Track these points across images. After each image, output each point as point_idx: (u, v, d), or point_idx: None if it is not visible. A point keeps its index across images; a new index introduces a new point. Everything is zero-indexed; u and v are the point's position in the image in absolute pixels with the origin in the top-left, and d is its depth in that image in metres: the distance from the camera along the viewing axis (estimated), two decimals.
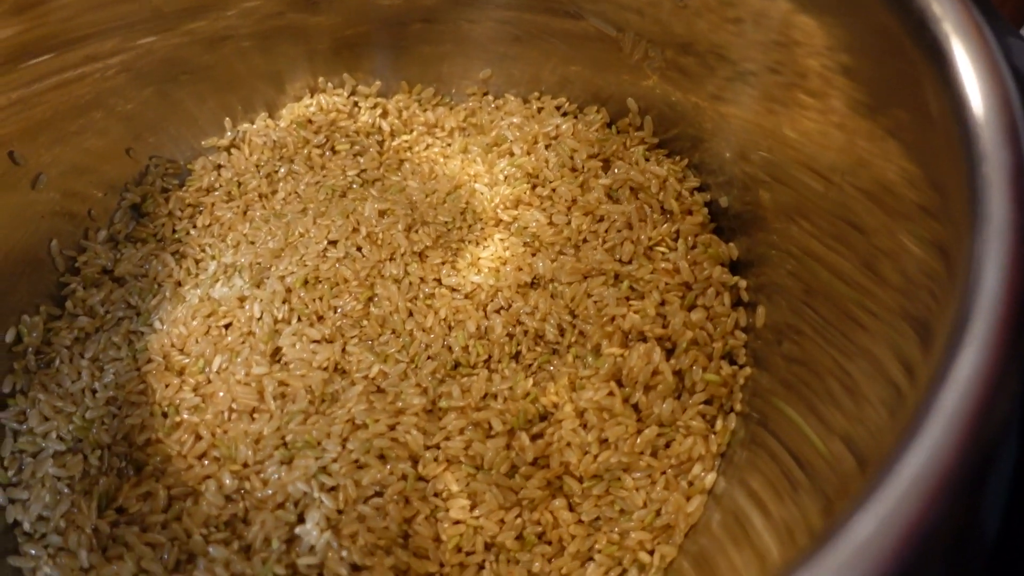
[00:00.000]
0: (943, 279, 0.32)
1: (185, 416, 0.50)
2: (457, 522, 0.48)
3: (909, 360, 0.33)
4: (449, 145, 0.69)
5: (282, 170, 0.67)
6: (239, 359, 0.52)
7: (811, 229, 0.45)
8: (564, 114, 0.65)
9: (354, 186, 0.65)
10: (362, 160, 0.68)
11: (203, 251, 0.62)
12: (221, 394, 0.50)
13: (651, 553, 0.47)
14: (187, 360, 0.53)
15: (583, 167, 0.59)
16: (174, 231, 0.64)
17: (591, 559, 0.47)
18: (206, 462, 0.48)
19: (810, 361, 0.44)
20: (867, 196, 0.40)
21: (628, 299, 0.53)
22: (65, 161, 0.55)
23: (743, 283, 0.52)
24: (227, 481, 0.47)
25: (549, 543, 0.48)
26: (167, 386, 0.52)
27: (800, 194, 0.46)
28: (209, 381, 0.52)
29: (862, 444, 0.36)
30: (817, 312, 0.44)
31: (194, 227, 0.64)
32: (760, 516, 0.42)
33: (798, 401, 0.44)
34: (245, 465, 0.48)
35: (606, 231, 0.56)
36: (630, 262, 0.54)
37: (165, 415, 0.51)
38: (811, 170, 0.45)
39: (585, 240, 0.57)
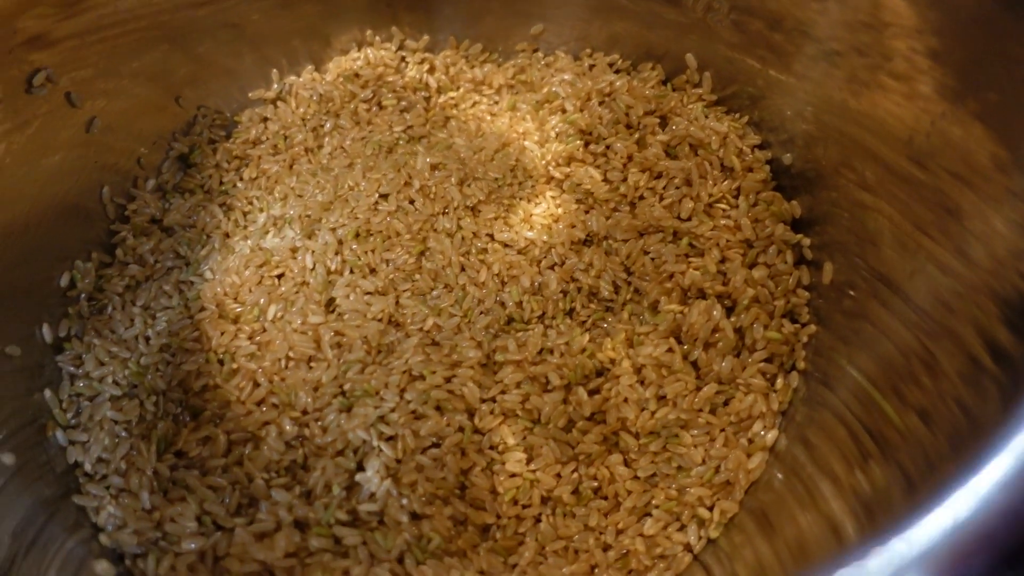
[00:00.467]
0: None
1: (242, 363, 0.50)
2: (513, 475, 0.48)
3: (993, 337, 0.33)
4: (496, 103, 0.68)
5: (328, 124, 0.66)
6: (294, 308, 0.52)
7: (883, 198, 0.44)
8: (617, 71, 0.64)
9: (400, 142, 0.65)
10: (408, 116, 0.67)
11: (250, 203, 0.62)
12: (278, 342, 0.50)
13: (710, 509, 0.46)
14: (241, 308, 0.53)
15: (639, 124, 0.58)
16: (221, 183, 0.63)
17: (648, 514, 0.47)
18: (264, 408, 0.48)
19: (871, 318, 0.44)
20: (955, 178, 0.39)
21: (687, 256, 0.53)
22: (118, 106, 0.55)
23: (806, 241, 0.51)
24: (287, 427, 0.47)
25: (605, 498, 0.48)
26: (222, 333, 0.51)
27: (875, 166, 0.45)
28: (264, 330, 0.52)
29: (940, 418, 0.36)
30: (886, 277, 0.43)
31: (241, 180, 0.63)
32: (828, 482, 0.42)
33: (867, 362, 0.43)
34: (304, 412, 0.48)
35: (664, 188, 0.55)
36: (689, 219, 0.54)
37: (221, 362, 0.51)
38: (889, 147, 0.43)
39: (642, 197, 0.56)
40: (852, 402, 0.43)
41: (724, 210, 0.53)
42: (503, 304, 0.54)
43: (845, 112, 0.46)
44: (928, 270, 0.38)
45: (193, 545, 0.42)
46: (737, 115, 0.57)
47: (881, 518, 0.36)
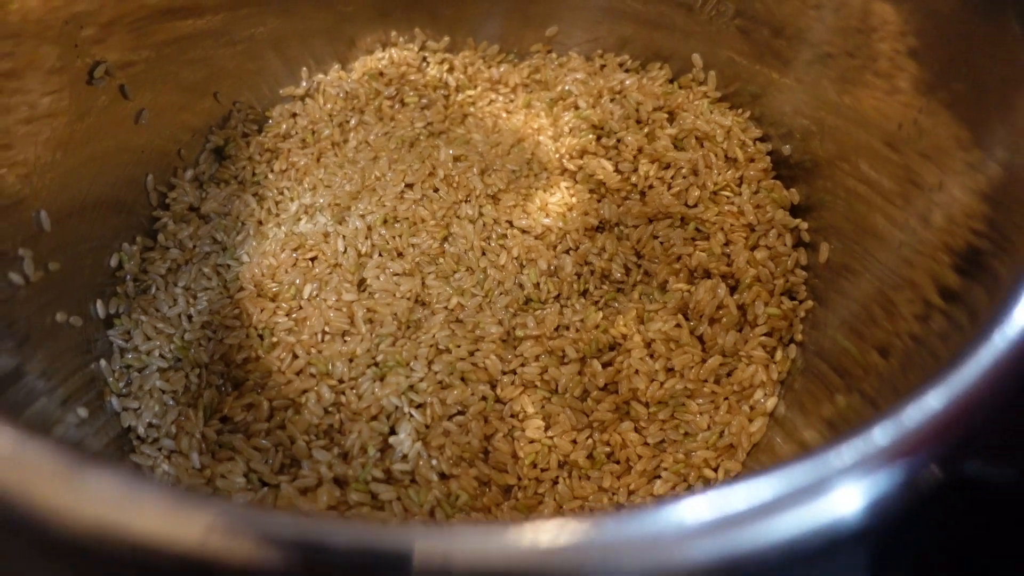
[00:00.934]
0: (985, 215, 0.36)
1: (281, 336, 0.54)
2: (532, 441, 0.52)
3: (944, 282, 0.39)
4: (512, 101, 0.72)
5: (353, 120, 0.70)
6: (329, 287, 0.56)
7: (869, 183, 0.49)
8: (627, 70, 0.68)
9: (421, 137, 0.69)
10: (428, 113, 0.71)
11: (281, 193, 0.66)
12: (314, 318, 0.54)
13: (715, 469, 0.50)
14: (278, 288, 0.57)
15: (648, 119, 0.63)
16: (254, 174, 0.67)
17: (658, 476, 0.51)
18: (303, 377, 0.52)
19: (859, 294, 0.48)
20: (923, 156, 0.44)
21: (694, 239, 0.57)
22: (164, 100, 0.58)
23: (804, 225, 0.55)
24: (326, 394, 0.51)
25: (618, 462, 0.52)
26: (262, 310, 0.55)
27: (862, 155, 0.50)
28: (300, 307, 0.56)
29: (894, 349, 0.41)
30: (868, 251, 0.48)
31: (271, 171, 0.67)
32: (803, 418, 0.47)
33: (848, 329, 0.48)
34: (341, 381, 0.52)
35: (672, 177, 0.59)
36: (696, 205, 0.58)
37: (261, 336, 0.54)
38: (871, 135, 0.49)
39: (651, 186, 0.60)
40: (835, 359, 0.48)
41: (728, 197, 0.57)
42: (521, 286, 0.58)
43: (837, 108, 0.50)
44: (896, 234, 0.43)
45: (243, 499, 0.46)
46: (740, 111, 0.61)
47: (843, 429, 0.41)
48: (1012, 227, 0.34)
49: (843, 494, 0.20)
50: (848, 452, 0.20)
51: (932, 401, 0.21)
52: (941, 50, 0.41)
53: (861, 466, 0.20)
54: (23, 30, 0.41)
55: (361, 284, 0.57)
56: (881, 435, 0.20)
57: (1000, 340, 0.23)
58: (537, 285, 0.58)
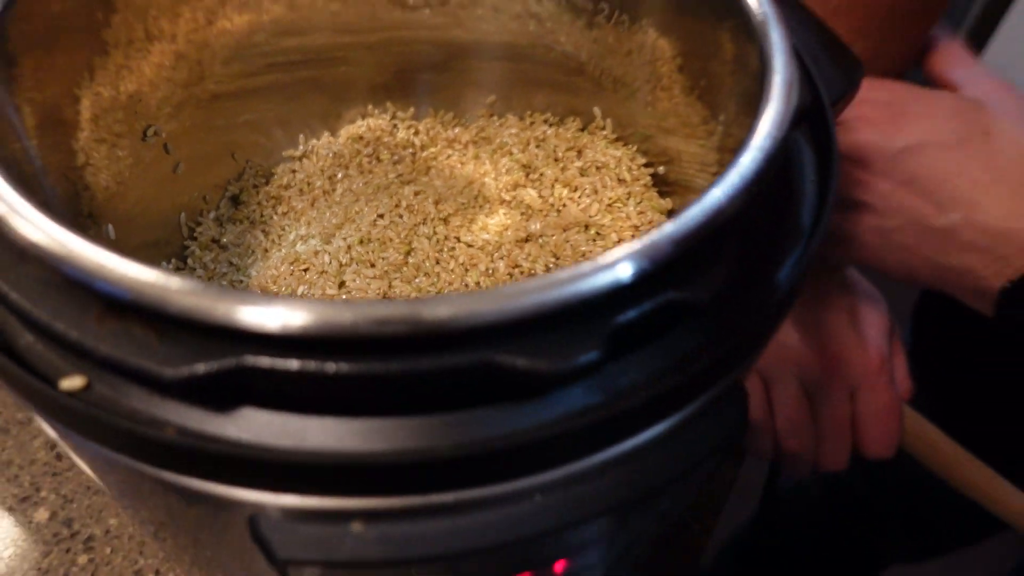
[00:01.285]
0: (714, 159, 0.55)
1: None
2: None
3: None
4: (465, 154, 0.91)
5: (340, 174, 0.89)
6: (316, 286, 0.73)
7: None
8: (550, 124, 0.87)
9: (393, 184, 0.87)
10: (399, 167, 0.90)
11: (283, 229, 0.84)
12: None
13: None
14: (277, 289, 0.74)
15: (563, 157, 0.81)
16: (261, 216, 0.85)
17: None
18: None
19: None
20: (677, 135, 0.65)
21: (595, 240, 0.74)
22: (195, 156, 0.78)
23: None
24: None
25: None
26: None
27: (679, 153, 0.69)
28: None
29: None
30: None
31: (276, 213, 0.86)
32: None
33: None
34: None
35: (579, 197, 0.77)
36: (596, 215, 0.75)
37: None
38: (687, 140, 0.68)
39: (564, 205, 0.78)
40: None
41: (619, 207, 0.75)
42: (467, 285, 0.75)
43: (664, 126, 0.69)
44: None
45: None
46: (630, 146, 0.80)
47: None
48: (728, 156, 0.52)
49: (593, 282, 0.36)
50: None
51: (653, 237, 0.38)
52: (695, 61, 0.60)
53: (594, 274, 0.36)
54: (128, 106, 0.61)
55: (341, 284, 0.74)
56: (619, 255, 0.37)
57: (696, 206, 0.40)
58: (478, 283, 0.75)
